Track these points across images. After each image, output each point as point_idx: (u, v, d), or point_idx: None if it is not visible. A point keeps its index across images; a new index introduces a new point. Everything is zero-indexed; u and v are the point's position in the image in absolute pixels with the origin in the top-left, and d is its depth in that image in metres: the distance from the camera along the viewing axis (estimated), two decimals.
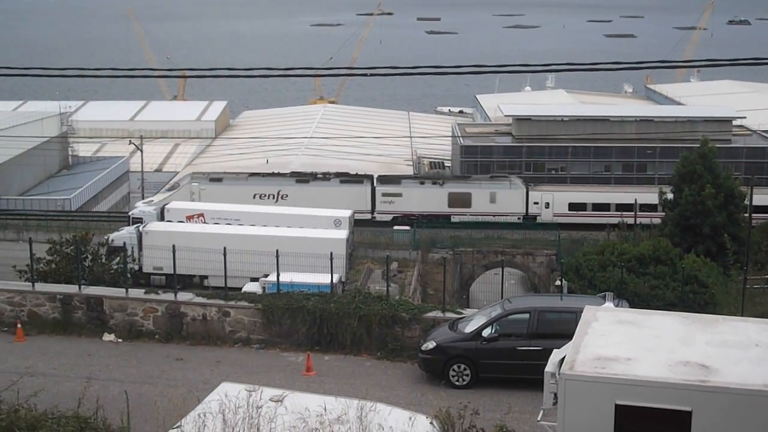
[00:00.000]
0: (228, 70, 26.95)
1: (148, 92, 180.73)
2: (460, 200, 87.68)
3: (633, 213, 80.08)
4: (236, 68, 26.96)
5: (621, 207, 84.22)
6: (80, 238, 46.44)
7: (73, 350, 35.51)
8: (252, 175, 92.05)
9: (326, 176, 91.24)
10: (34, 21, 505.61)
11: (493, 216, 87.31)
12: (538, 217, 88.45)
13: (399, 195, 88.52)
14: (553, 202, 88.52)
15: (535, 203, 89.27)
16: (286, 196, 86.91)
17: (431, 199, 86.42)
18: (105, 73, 24.17)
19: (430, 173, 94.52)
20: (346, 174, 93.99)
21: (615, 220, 71.13)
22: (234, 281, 41.89)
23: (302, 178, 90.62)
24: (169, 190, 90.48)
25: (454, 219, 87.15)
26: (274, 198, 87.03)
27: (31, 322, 37.95)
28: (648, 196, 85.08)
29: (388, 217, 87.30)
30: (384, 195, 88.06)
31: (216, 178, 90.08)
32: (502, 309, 33.20)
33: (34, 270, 40.97)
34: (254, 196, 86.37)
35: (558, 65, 25.77)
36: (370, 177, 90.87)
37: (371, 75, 30.44)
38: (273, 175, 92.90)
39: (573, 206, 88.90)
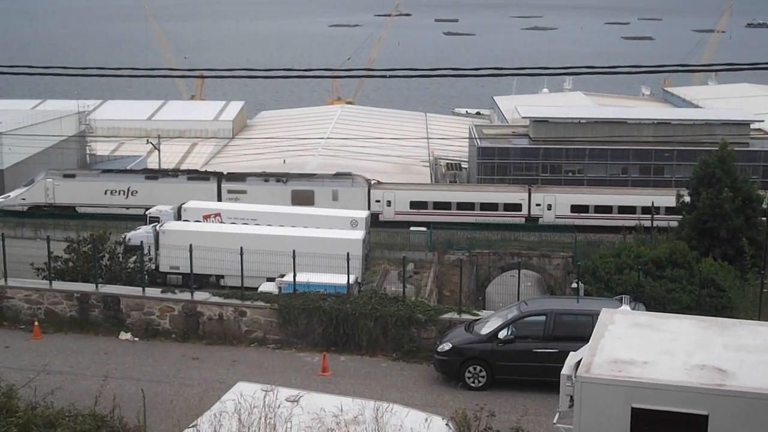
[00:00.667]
0: (246, 70, 26.97)
1: (166, 92, 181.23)
2: (303, 198, 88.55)
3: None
4: (254, 69, 27.00)
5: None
6: (98, 236, 46.54)
7: (89, 349, 35.63)
8: (104, 171, 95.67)
9: (174, 173, 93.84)
10: (53, 21, 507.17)
11: None
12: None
13: (244, 192, 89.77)
14: (397, 200, 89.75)
15: (377, 201, 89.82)
16: (136, 192, 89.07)
17: (275, 197, 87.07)
18: (124, 73, 24.24)
19: (273, 173, 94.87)
20: (195, 171, 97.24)
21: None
22: (250, 281, 41.91)
23: (151, 174, 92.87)
24: (25, 185, 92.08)
25: None
26: (124, 194, 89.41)
27: (48, 320, 38.12)
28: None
29: None
30: (230, 192, 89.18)
31: (69, 174, 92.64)
32: (519, 311, 33.19)
33: (51, 268, 41.11)
34: (105, 192, 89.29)
35: (576, 68, 25.76)
36: (218, 174, 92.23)
37: (390, 77, 30.41)
38: (124, 171, 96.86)
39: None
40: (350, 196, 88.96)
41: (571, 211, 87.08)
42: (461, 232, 78.02)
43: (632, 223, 72.16)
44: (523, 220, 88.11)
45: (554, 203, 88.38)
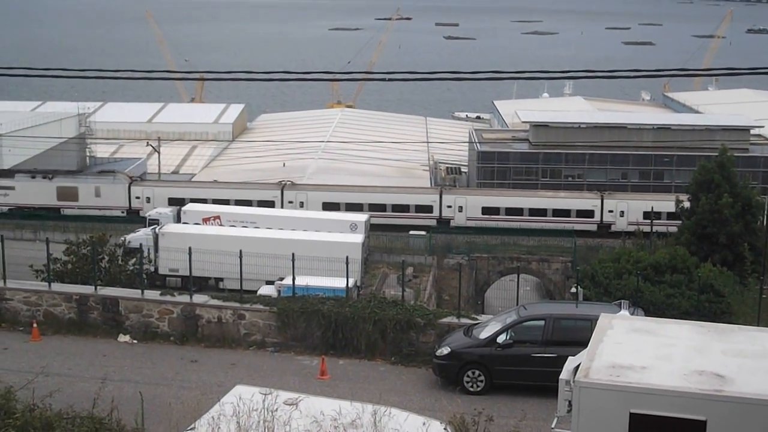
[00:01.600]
0: (246, 73, 26.99)
1: (166, 94, 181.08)
2: (68, 194, 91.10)
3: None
4: (254, 71, 26.97)
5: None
6: (97, 238, 46.58)
7: (88, 351, 35.64)
8: None
9: None
10: (53, 22, 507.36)
11: (99, 209, 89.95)
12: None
13: (12, 188, 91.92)
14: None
15: (137, 198, 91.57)
16: None
17: (42, 193, 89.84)
18: (123, 75, 24.23)
19: (41, 170, 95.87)
20: None
21: None
22: (249, 284, 41.95)
23: None
24: None
25: (65, 212, 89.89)
26: None
27: (47, 322, 38.13)
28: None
29: (5, 209, 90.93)
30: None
31: None
32: (518, 315, 33.21)
33: (50, 270, 41.13)
34: None
35: (576, 72, 25.74)
36: None
37: (389, 80, 30.44)
38: None
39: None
40: (111, 192, 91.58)
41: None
42: (461, 237, 78.20)
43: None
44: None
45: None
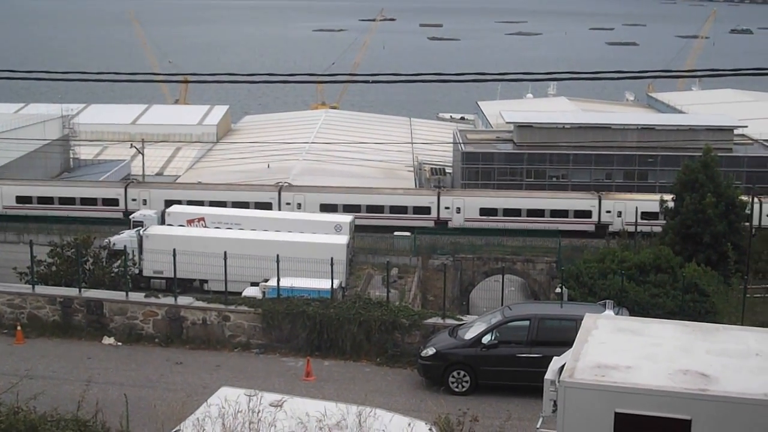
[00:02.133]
0: (230, 75, 26.97)
1: (150, 96, 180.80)
2: None
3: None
4: (238, 74, 26.97)
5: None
6: (81, 240, 46.43)
7: (72, 353, 35.57)
8: None
9: None
10: (36, 24, 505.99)
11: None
12: None
13: None
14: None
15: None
16: None
17: None
18: (107, 77, 24.17)
19: None
20: None
21: None
22: (234, 285, 41.89)
23: None
24: None
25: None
26: None
27: (31, 325, 38.04)
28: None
29: None
30: None
31: None
32: (503, 316, 33.26)
33: (34, 272, 41.02)
34: None
35: (560, 73, 25.78)
36: None
37: (373, 82, 30.44)
38: None
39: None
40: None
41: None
42: (446, 237, 78.21)
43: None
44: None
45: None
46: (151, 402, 26.02)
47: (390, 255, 65.43)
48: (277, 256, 39.88)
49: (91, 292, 39.56)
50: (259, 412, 18.11)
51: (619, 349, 18.76)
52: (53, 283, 42.65)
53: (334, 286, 42.42)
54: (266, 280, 47.97)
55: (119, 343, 36.92)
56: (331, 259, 41.53)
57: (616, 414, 17.05)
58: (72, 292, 39.26)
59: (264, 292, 46.20)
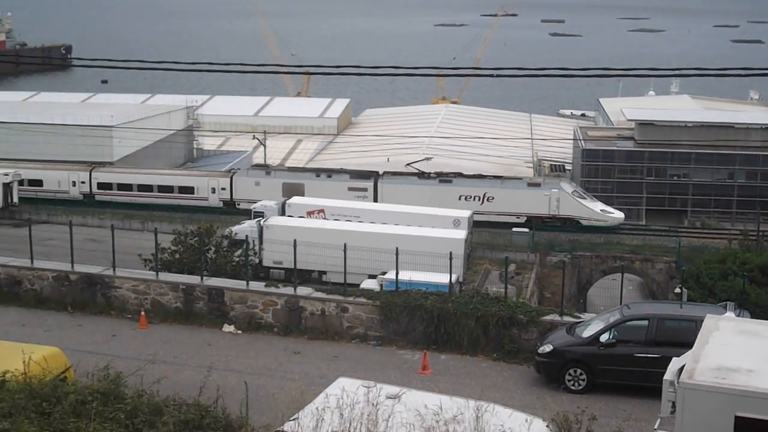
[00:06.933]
0: (353, 67, 27.17)
1: (272, 88, 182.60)
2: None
3: None
4: (361, 66, 27.15)
5: None
6: (204, 229, 47.23)
7: (193, 340, 36.26)
8: None
9: None
10: (163, 18, 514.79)
11: None
12: None
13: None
14: None
15: None
16: None
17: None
18: (234, 69, 24.55)
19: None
20: None
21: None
22: (352, 278, 42.13)
23: None
24: None
25: None
26: None
27: (154, 311, 38.87)
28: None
29: None
30: None
31: None
32: (621, 315, 32.96)
33: (158, 260, 41.86)
34: None
35: (684, 69, 25.52)
36: None
37: (497, 75, 30.46)
38: None
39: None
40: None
41: None
42: (564, 234, 77.73)
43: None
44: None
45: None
46: (269, 390, 26.38)
47: (508, 251, 65.16)
48: (396, 249, 40.06)
49: (212, 280, 40.27)
50: (376, 403, 18.22)
51: (740, 352, 18.53)
52: (176, 271, 43.51)
53: (452, 281, 42.50)
54: (384, 273, 48.23)
55: (239, 331, 37.52)
56: (450, 253, 41.59)
57: (737, 418, 16.87)
58: (194, 279, 40.01)
59: (381, 285, 46.47)
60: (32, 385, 18.25)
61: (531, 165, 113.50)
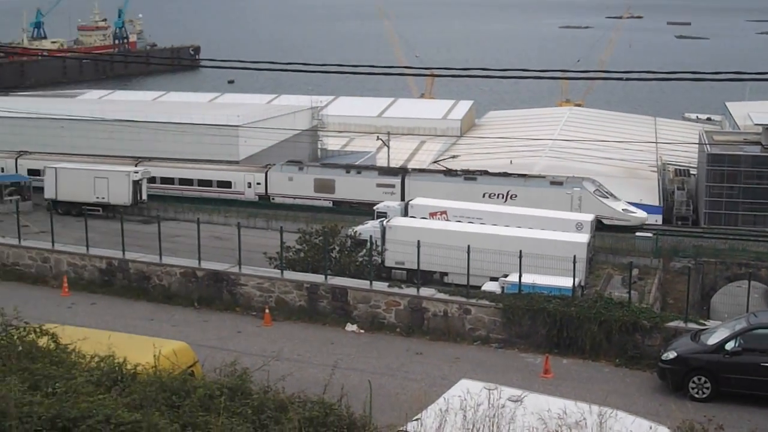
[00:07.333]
0: (480, 70, 27.32)
1: (395, 89, 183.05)
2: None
3: None
4: (488, 68, 27.25)
5: None
6: (329, 229, 47.73)
7: (317, 338, 36.70)
8: None
9: None
10: (288, 19, 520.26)
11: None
12: None
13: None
14: None
15: None
16: None
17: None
18: (363, 71, 24.85)
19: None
20: None
21: None
22: (473, 280, 42.15)
23: None
24: None
25: None
26: None
27: (279, 308, 39.44)
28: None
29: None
30: None
31: None
32: (747, 323, 32.47)
33: (283, 258, 42.45)
34: None
35: None
36: None
37: (626, 79, 30.24)
38: None
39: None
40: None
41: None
42: (688, 240, 76.70)
43: None
44: None
45: None
46: (391, 390, 26.63)
47: (630, 256, 64.56)
48: (520, 252, 40.01)
49: (336, 279, 40.70)
50: (499, 406, 18.25)
51: None
52: (300, 269, 44.05)
53: (575, 284, 42.34)
54: (506, 275, 48.18)
55: (362, 331, 37.86)
56: (574, 257, 41.43)
57: None
58: (318, 278, 40.47)
59: (503, 287, 46.46)
60: (162, 378, 18.67)
61: (655, 169, 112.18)
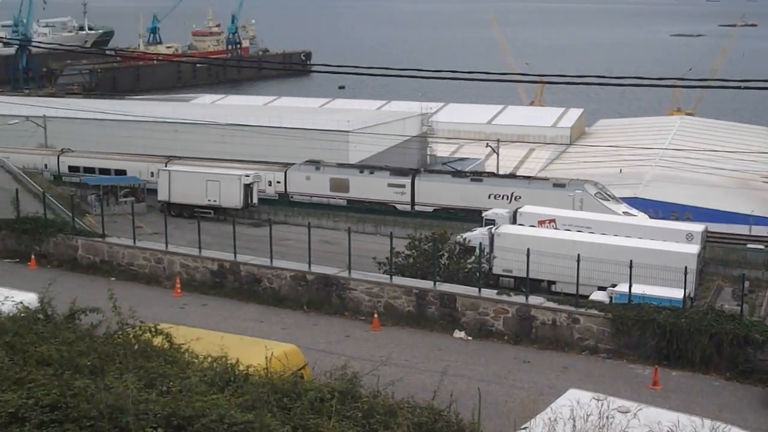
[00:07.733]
0: (596, 77, 27.21)
1: (504, 96, 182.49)
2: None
3: None
4: (603, 76, 27.13)
5: None
6: (439, 235, 47.87)
7: (425, 344, 36.81)
8: None
9: None
10: (398, 25, 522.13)
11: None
12: None
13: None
14: None
15: None
16: None
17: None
18: (478, 77, 24.92)
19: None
20: None
21: None
22: (582, 289, 41.96)
23: None
24: None
25: None
26: None
27: (387, 313, 39.62)
28: None
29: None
30: None
31: None
32: None
33: (392, 264, 42.67)
34: None
35: None
36: None
37: (744, 88, 29.94)
38: None
39: None
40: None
41: None
42: None
43: None
44: None
45: None
46: (498, 397, 26.63)
47: (742, 268, 63.59)
48: (630, 262, 39.68)
49: (445, 286, 40.76)
50: (610, 417, 18.13)
51: None
52: (409, 275, 44.22)
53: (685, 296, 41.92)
54: (614, 285, 47.85)
55: (469, 338, 37.87)
56: (685, 268, 41.01)
57: None
58: (427, 284, 40.57)
59: (611, 297, 46.14)
60: (273, 380, 18.92)
61: (767, 179, 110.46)
